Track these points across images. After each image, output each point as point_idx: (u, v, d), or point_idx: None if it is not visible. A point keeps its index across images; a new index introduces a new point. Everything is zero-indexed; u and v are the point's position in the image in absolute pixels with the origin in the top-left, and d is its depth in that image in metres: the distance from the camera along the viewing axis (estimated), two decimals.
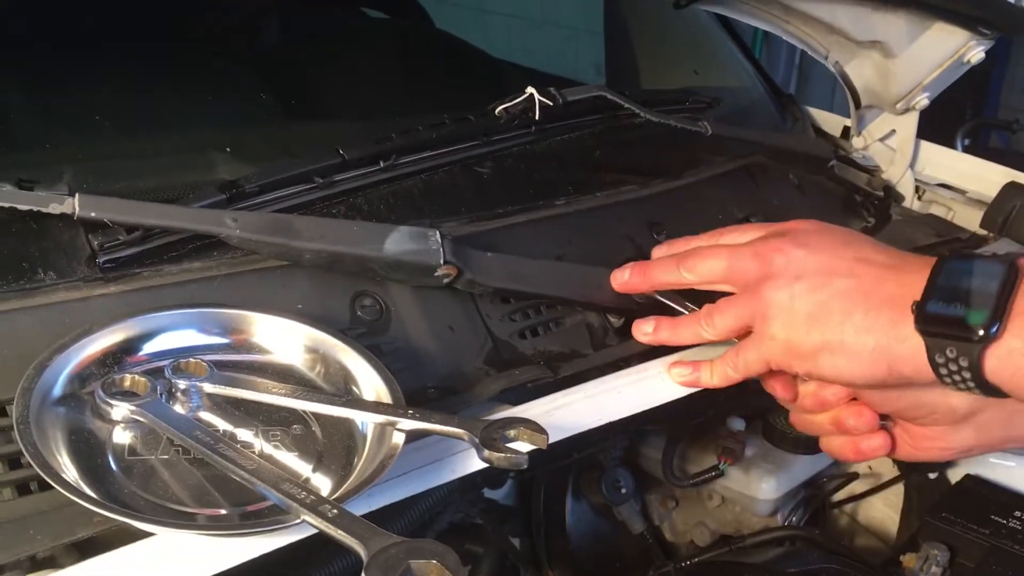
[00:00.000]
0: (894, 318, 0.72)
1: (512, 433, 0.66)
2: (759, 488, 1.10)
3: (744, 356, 0.82)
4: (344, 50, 1.38)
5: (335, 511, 0.56)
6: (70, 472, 0.61)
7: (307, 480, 0.66)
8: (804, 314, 0.76)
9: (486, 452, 0.64)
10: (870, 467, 1.20)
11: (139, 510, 0.60)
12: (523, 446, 0.67)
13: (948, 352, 0.69)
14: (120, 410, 0.65)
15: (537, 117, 0.97)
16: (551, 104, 0.98)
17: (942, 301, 0.69)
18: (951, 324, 0.68)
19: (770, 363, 0.81)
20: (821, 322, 0.75)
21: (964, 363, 0.68)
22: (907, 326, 0.71)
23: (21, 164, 0.86)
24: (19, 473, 0.64)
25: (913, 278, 0.73)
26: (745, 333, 0.83)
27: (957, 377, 0.70)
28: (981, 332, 0.67)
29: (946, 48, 1.25)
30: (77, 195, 0.72)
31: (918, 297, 0.71)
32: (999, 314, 0.67)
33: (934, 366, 0.70)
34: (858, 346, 0.74)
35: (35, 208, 0.72)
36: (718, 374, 0.85)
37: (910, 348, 0.71)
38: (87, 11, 0.98)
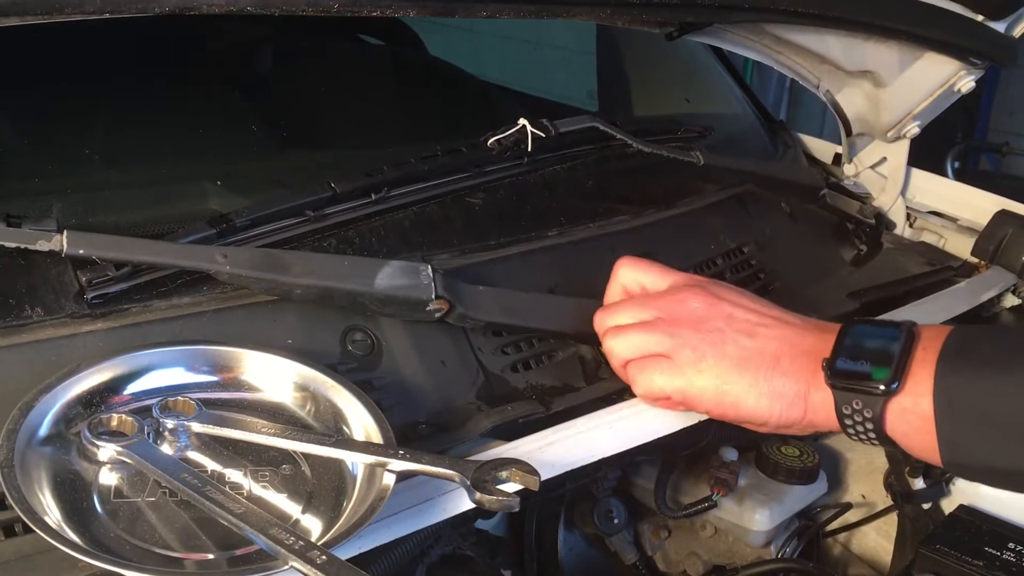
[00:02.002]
0: (813, 368, 0.78)
1: (504, 474, 0.65)
2: (752, 519, 1.09)
3: (658, 382, 0.82)
4: (337, 78, 1.38)
5: (324, 557, 0.55)
6: (54, 515, 0.60)
7: (296, 522, 0.65)
8: (736, 356, 0.79)
9: (477, 494, 0.64)
10: (863, 496, 1.20)
11: (125, 555, 0.59)
12: (514, 487, 0.66)
13: (854, 404, 0.75)
14: (106, 451, 0.64)
15: (530, 148, 0.97)
16: (543, 135, 0.97)
17: (849, 359, 0.76)
18: (858, 378, 0.75)
19: (686, 396, 0.81)
20: (753, 366, 0.79)
21: (868, 414, 0.75)
22: (822, 377, 0.77)
23: (9, 196, 0.86)
24: (4, 515, 0.63)
25: (825, 335, 0.80)
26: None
27: (860, 428, 0.76)
28: (883, 387, 0.74)
29: (937, 77, 1.26)
30: (65, 232, 0.71)
31: (828, 355, 0.77)
32: (899, 373, 0.73)
33: (840, 417, 0.77)
34: (783, 388, 0.79)
35: (23, 245, 0.71)
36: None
37: (823, 398, 0.77)
38: (77, 42, 0.97)
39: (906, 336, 0.75)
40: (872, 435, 0.76)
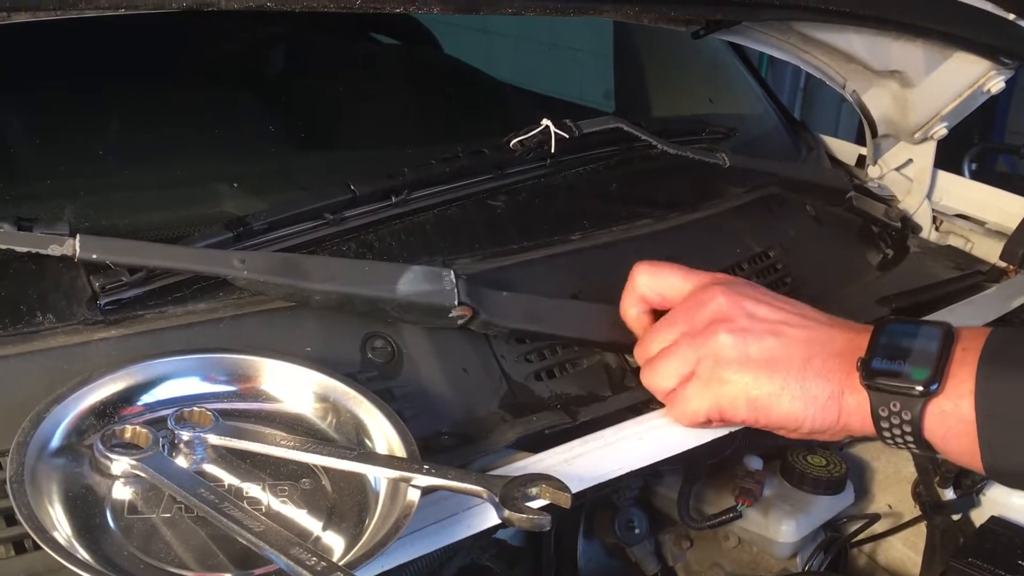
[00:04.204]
0: (847, 369, 0.75)
1: (533, 491, 0.63)
2: (778, 530, 1.06)
3: (691, 405, 0.79)
4: (354, 78, 1.35)
5: None
6: (65, 531, 0.58)
7: (317, 539, 0.62)
8: (762, 359, 0.76)
9: (506, 512, 0.61)
10: (890, 506, 1.17)
11: (138, 574, 0.57)
12: (543, 503, 0.64)
13: (892, 406, 0.72)
14: (120, 464, 0.62)
15: (553, 150, 0.94)
16: (567, 136, 0.95)
17: (886, 359, 0.73)
18: (895, 378, 0.72)
19: (721, 410, 0.78)
20: (782, 367, 0.76)
21: (906, 417, 0.72)
22: (856, 379, 0.74)
23: (20, 198, 0.84)
24: (15, 530, 0.61)
25: (858, 335, 0.76)
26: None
27: (897, 431, 0.73)
28: (921, 388, 0.71)
29: (966, 78, 1.23)
30: (78, 236, 0.69)
31: (863, 354, 0.74)
32: (939, 374, 0.71)
33: (876, 419, 0.74)
34: (816, 391, 0.75)
35: (34, 250, 0.69)
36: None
37: (858, 401, 0.74)
38: (91, 42, 0.95)
39: (944, 336, 0.73)
40: (910, 439, 0.73)
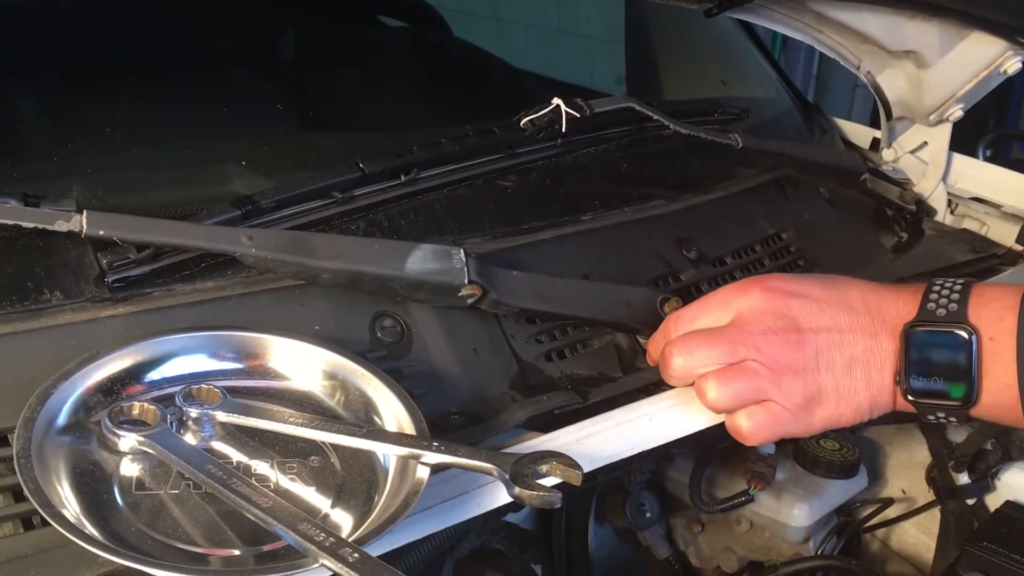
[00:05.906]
0: (885, 375, 0.78)
1: (544, 468, 0.62)
2: (791, 514, 1.05)
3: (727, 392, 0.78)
4: (362, 60, 1.35)
5: (356, 555, 0.52)
6: (73, 508, 0.58)
7: (326, 516, 0.62)
8: (801, 367, 0.78)
9: (517, 489, 0.60)
10: (903, 491, 1.16)
11: (146, 550, 0.56)
12: (554, 481, 0.63)
13: (938, 414, 0.78)
14: (127, 441, 0.62)
15: (563, 129, 0.93)
16: (578, 115, 0.94)
17: (922, 376, 0.76)
18: (936, 396, 0.77)
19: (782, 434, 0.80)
20: (831, 398, 0.78)
21: (953, 419, 0.78)
22: (892, 379, 0.79)
23: (29, 177, 0.83)
24: (23, 507, 0.60)
25: (895, 332, 0.78)
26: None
27: (944, 422, 0.79)
28: (962, 402, 0.76)
29: (983, 58, 1.21)
30: (85, 212, 0.69)
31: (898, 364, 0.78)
32: (974, 386, 0.75)
33: (924, 417, 0.79)
34: (856, 396, 0.79)
35: (41, 225, 0.68)
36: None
37: (898, 402, 0.79)
38: (101, 22, 0.94)
39: (969, 338, 0.74)
40: (955, 424, 0.80)
